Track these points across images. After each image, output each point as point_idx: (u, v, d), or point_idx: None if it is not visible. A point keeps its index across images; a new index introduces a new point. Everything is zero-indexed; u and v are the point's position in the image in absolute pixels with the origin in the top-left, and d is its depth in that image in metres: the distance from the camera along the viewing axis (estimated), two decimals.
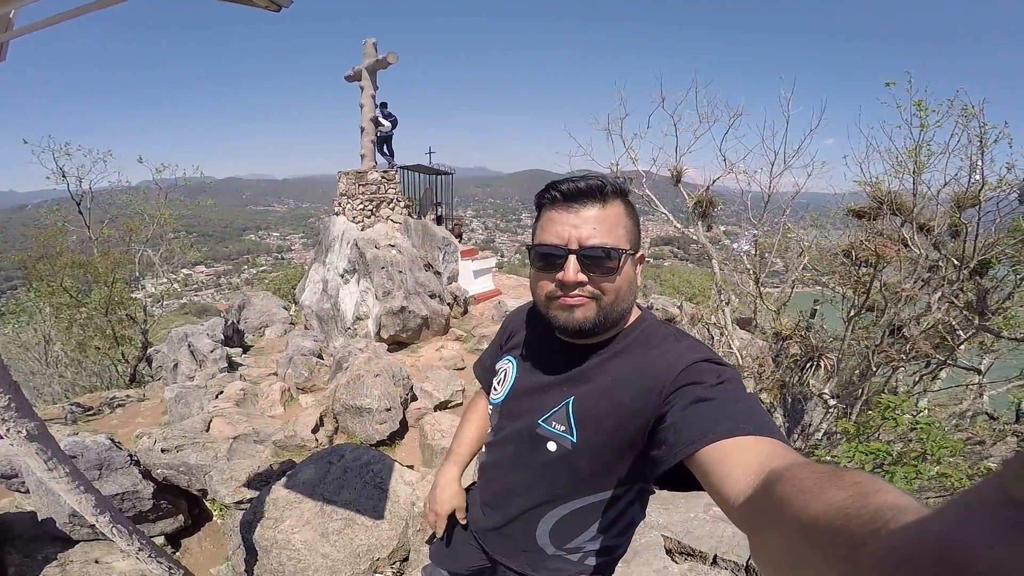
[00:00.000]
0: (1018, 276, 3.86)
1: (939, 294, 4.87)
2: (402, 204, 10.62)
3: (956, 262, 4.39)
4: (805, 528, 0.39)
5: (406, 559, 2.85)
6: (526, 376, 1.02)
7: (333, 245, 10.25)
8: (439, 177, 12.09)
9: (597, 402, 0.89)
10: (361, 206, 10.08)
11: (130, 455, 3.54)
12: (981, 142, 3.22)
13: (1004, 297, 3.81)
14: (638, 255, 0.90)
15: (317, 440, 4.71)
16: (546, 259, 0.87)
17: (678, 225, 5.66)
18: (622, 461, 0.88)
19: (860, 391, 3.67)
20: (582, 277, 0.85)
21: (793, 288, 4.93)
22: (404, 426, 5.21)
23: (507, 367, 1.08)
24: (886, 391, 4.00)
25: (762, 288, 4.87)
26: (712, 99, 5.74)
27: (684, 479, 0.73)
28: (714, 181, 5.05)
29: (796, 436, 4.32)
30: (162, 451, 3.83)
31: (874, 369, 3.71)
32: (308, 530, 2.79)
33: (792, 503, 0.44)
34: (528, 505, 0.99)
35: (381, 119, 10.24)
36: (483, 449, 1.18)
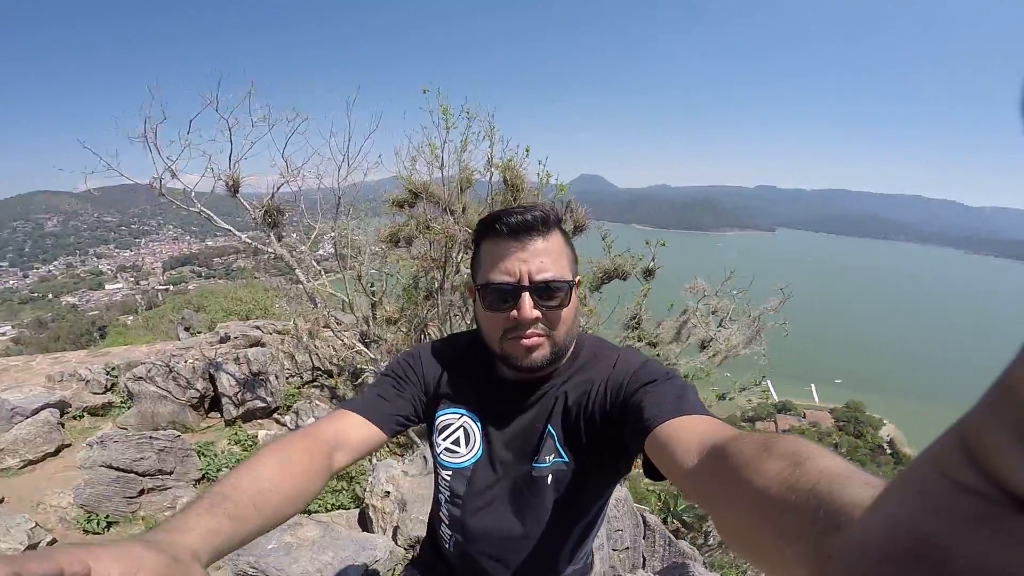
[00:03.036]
0: None
1: (461, 255, 6.46)
2: None
3: (469, 229, 5.89)
4: (752, 504, 0.44)
5: None
6: (496, 428, 0.98)
7: None
8: None
9: (573, 421, 0.93)
10: None
11: None
12: (491, 140, 4.46)
13: None
14: (577, 281, 0.93)
15: None
16: (498, 296, 0.88)
17: (247, 239, 5.14)
18: (609, 462, 0.94)
19: None
20: (537, 313, 0.86)
21: (386, 280, 5.41)
22: None
23: (465, 423, 0.99)
24: None
25: (360, 279, 5.13)
26: (273, 103, 5.31)
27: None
28: (279, 188, 4.82)
29: None
30: None
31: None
32: None
33: (737, 480, 0.48)
34: (548, 542, 0.97)
35: None
36: (445, 515, 1.02)
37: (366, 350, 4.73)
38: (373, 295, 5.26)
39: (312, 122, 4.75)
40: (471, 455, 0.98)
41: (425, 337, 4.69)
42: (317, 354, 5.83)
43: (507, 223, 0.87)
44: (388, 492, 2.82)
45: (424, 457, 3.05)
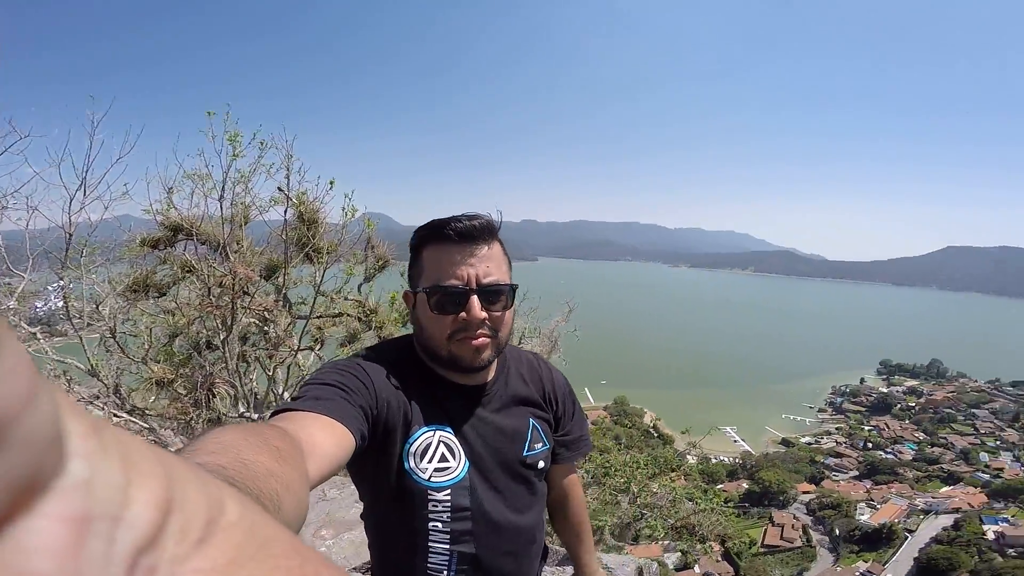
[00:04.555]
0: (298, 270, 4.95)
1: (238, 301, 5.60)
2: None
3: (251, 271, 5.18)
4: (562, 529, 1.25)
5: None
6: (472, 432, 0.98)
7: None
8: None
9: (541, 410, 1.08)
10: None
11: None
12: (288, 170, 3.96)
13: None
14: (516, 286, 1.00)
15: None
16: (447, 299, 0.92)
17: None
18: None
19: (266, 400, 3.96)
20: (484, 314, 0.91)
21: (150, 336, 4.36)
22: None
23: (442, 438, 0.96)
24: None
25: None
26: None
27: None
28: None
29: None
30: None
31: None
32: None
33: (560, 515, 1.24)
34: (540, 525, 1.08)
35: None
36: (444, 539, 0.96)
37: (139, 421, 3.71)
38: (130, 357, 4.18)
39: (40, 141, 3.57)
40: (461, 466, 0.96)
41: (215, 397, 3.90)
42: None
43: (456, 229, 0.91)
44: None
45: None
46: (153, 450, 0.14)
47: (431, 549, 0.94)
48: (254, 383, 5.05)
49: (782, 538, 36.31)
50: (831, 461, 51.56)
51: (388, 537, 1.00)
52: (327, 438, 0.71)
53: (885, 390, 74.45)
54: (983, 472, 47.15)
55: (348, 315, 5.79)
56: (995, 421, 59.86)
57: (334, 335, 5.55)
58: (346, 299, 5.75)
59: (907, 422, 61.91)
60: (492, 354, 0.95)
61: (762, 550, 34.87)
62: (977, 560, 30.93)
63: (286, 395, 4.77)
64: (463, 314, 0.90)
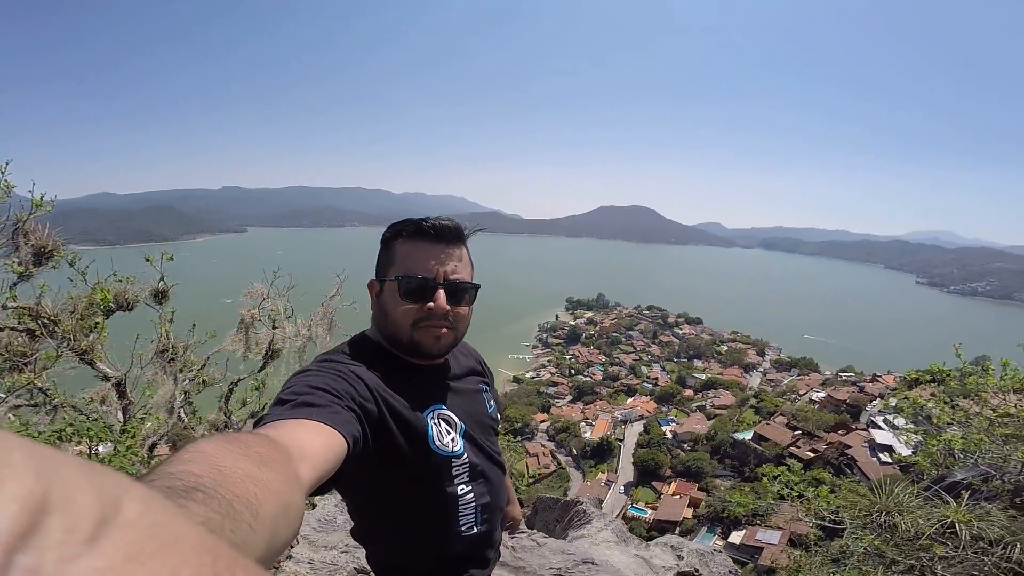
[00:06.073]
0: None
1: None
2: None
3: None
4: None
5: None
6: (453, 404, 1.08)
7: None
8: None
9: (480, 377, 1.25)
10: None
11: None
12: None
13: None
14: (479, 286, 1.09)
15: None
16: (417, 288, 0.99)
17: None
18: None
19: None
20: (448, 307, 0.99)
21: None
22: None
23: (439, 415, 1.05)
24: None
25: None
26: None
27: None
28: None
29: None
30: None
31: None
32: None
33: None
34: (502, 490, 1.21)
35: None
36: (471, 498, 1.07)
37: None
38: None
39: None
40: (460, 434, 1.06)
41: None
42: None
43: (434, 227, 1.00)
44: None
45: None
46: (27, 451, 0.13)
47: (461, 512, 1.05)
48: None
49: (540, 466, 41.07)
50: (551, 390, 60.69)
51: (414, 521, 1.03)
52: (316, 440, 0.68)
53: (573, 323, 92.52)
54: (648, 383, 61.80)
55: (11, 328, 4.28)
56: (643, 339, 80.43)
57: None
58: (3, 308, 4.21)
59: (592, 348, 77.89)
60: (450, 343, 1.05)
61: (531, 480, 38.24)
62: (670, 457, 39.12)
63: None
64: (430, 304, 0.98)
